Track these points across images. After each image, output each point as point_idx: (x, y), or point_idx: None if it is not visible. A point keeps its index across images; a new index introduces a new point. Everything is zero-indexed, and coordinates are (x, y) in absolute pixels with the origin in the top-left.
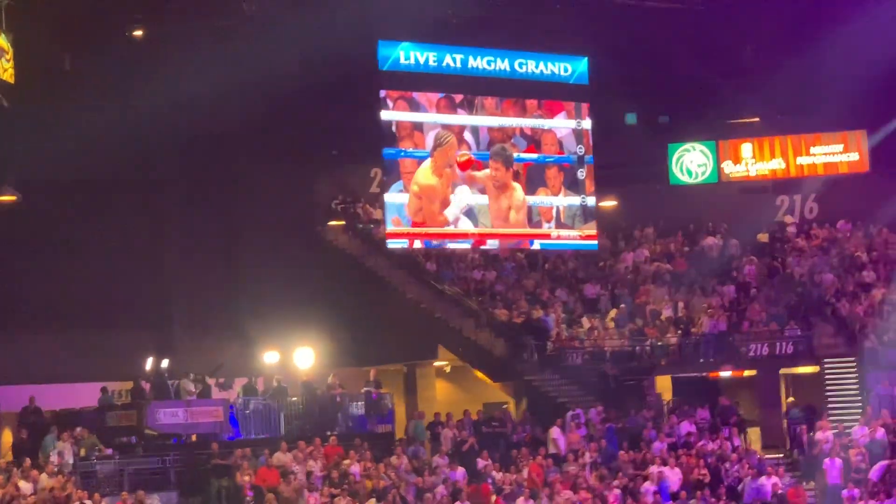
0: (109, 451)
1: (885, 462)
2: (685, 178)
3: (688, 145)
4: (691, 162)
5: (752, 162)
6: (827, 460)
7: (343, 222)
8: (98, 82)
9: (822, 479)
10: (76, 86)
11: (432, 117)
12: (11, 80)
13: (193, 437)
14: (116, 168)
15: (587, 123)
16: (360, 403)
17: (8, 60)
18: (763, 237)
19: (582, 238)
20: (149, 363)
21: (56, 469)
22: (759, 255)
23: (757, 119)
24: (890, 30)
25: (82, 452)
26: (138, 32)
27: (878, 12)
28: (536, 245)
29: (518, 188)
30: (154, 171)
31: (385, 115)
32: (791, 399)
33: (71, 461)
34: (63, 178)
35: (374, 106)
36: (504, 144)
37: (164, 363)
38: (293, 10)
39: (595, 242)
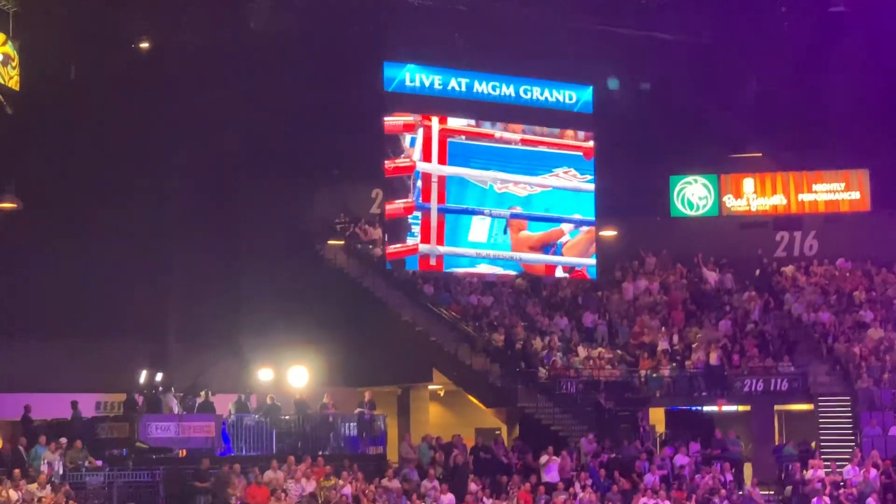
0: (99, 463)
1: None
2: (686, 211)
3: (689, 178)
4: (693, 194)
5: (753, 197)
6: (816, 499)
7: (342, 242)
8: (103, 93)
9: None
10: (81, 95)
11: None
12: (17, 88)
13: (182, 453)
14: (117, 179)
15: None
16: (352, 424)
17: (14, 68)
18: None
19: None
20: (143, 376)
21: (47, 479)
22: (756, 291)
23: (759, 154)
24: (894, 69)
25: (85, 463)
26: (144, 44)
27: (882, 52)
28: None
29: None
30: (155, 185)
31: (389, 120)
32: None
33: (60, 472)
34: (64, 188)
35: (377, 127)
36: None
37: (158, 377)
38: (299, 28)
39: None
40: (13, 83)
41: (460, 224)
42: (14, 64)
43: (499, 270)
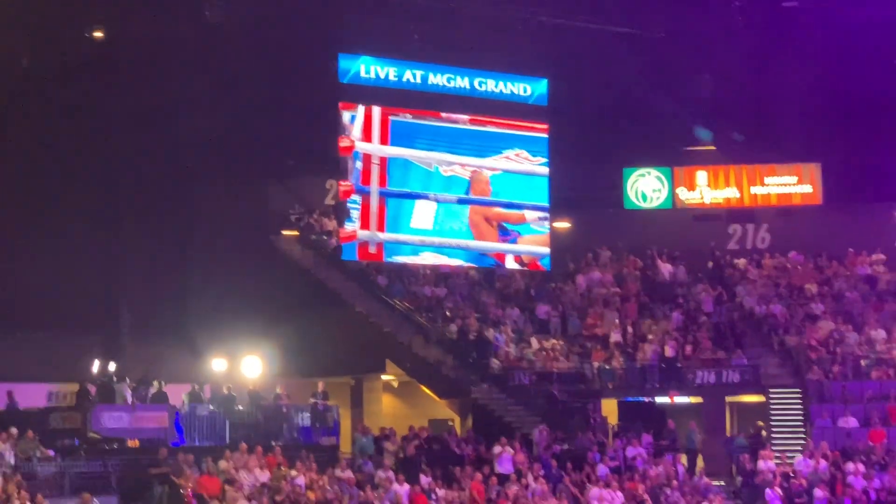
0: (51, 453)
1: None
2: (640, 203)
3: (643, 170)
4: (646, 187)
5: (706, 190)
6: (768, 490)
7: (296, 233)
8: (55, 83)
9: None
10: (33, 85)
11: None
12: None
13: (136, 442)
14: (69, 170)
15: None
16: (305, 414)
17: None
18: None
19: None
20: (95, 366)
21: None
22: (709, 284)
23: (713, 147)
24: (846, 65)
25: (37, 453)
26: (98, 34)
27: (834, 47)
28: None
29: None
30: (108, 175)
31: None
32: (761, 424)
33: (12, 462)
34: (15, 178)
35: (332, 118)
36: None
37: (112, 366)
38: (255, 18)
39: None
40: None
41: (403, 209)
42: None
43: (444, 259)
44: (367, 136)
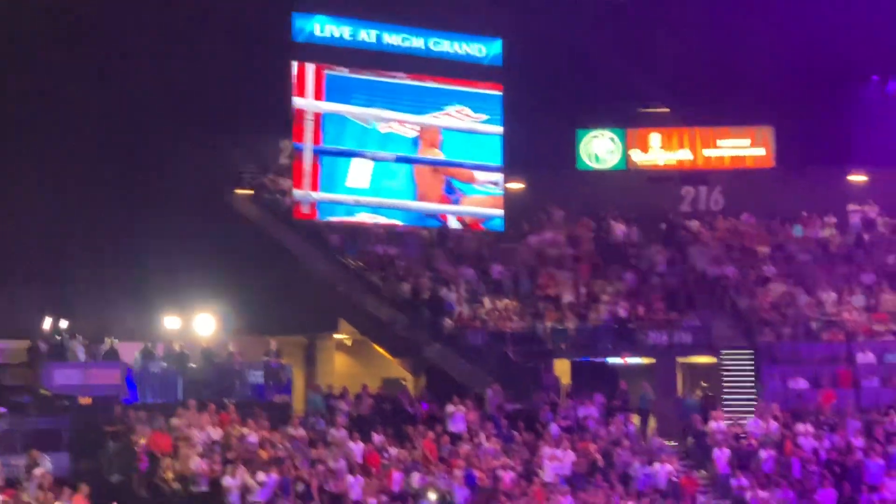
0: (2, 410)
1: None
2: (593, 164)
3: (596, 132)
4: (600, 148)
5: (659, 151)
6: (717, 449)
7: (251, 191)
8: (10, 40)
9: (713, 467)
10: None
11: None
12: None
13: (88, 400)
14: (23, 126)
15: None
16: (258, 372)
17: None
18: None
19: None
20: (47, 323)
21: None
22: (662, 245)
23: (667, 109)
24: (800, 29)
25: None
26: None
27: (789, 11)
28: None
29: None
30: (61, 131)
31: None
32: (705, 385)
33: None
34: None
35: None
36: None
37: (63, 323)
38: None
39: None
40: None
41: (338, 168)
42: None
43: (381, 219)
44: (300, 90)
